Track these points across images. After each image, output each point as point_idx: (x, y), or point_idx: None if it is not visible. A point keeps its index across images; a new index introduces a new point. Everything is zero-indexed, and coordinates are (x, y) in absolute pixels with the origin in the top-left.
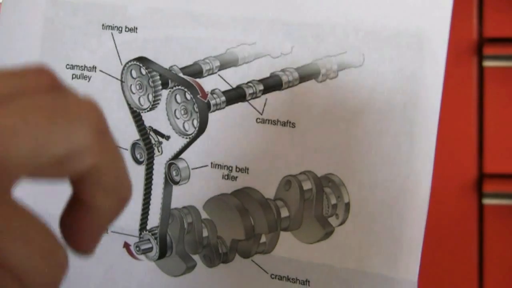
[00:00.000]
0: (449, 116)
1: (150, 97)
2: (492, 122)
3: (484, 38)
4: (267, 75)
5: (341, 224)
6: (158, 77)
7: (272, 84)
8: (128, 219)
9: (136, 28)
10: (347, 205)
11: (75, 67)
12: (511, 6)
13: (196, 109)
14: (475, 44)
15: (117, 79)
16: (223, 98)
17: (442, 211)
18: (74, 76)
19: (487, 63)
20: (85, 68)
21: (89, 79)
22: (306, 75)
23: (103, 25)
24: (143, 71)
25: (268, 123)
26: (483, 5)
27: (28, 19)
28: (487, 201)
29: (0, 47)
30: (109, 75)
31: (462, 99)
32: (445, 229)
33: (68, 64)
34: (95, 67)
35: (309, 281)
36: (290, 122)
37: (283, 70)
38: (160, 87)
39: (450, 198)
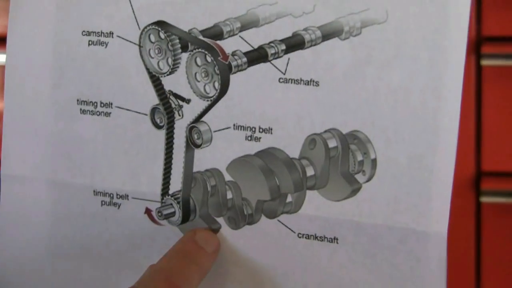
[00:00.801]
0: None
1: (170, 61)
2: (490, 121)
3: (482, 37)
4: (289, 34)
5: (368, 180)
6: (177, 40)
7: (294, 43)
8: (149, 184)
9: None
10: (374, 161)
11: (92, 33)
12: (509, 5)
13: (217, 71)
14: (473, 43)
15: (135, 44)
16: (245, 59)
17: None
18: (90, 42)
19: (485, 62)
20: (102, 34)
21: (106, 45)
22: (329, 33)
23: None
24: (162, 35)
25: (291, 82)
26: (482, 4)
27: None
28: (484, 199)
29: (14, 15)
30: (127, 40)
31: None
32: None
33: (84, 31)
34: (112, 33)
35: (337, 238)
36: (313, 81)
37: (305, 29)
38: (180, 51)
39: None
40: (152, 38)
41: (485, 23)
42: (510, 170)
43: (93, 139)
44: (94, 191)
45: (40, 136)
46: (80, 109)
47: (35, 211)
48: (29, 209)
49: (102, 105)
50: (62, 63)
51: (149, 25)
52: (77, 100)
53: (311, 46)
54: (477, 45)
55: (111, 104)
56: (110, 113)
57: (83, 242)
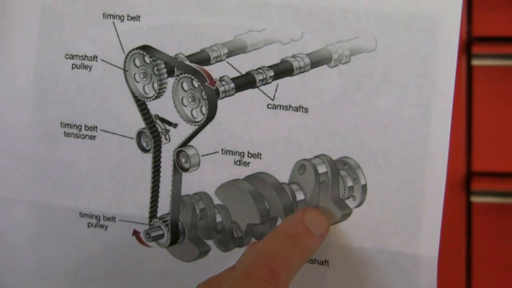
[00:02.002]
0: None
1: (155, 85)
2: (480, 121)
3: (473, 37)
4: (277, 61)
5: (358, 205)
6: (163, 65)
7: (282, 69)
8: (135, 207)
9: (139, 17)
10: (364, 187)
11: (75, 56)
12: (499, 6)
13: (205, 96)
14: (464, 43)
15: (119, 68)
16: (232, 85)
17: None
18: (74, 66)
19: (475, 62)
20: (86, 58)
21: (90, 69)
22: (317, 61)
23: (104, 14)
24: (147, 60)
25: (280, 108)
26: (472, 5)
27: (25, 8)
28: (475, 199)
29: None
30: (111, 64)
31: None
32: None
33: (67, 54)
34: (96, 57)
35: (328, 261)
36: (302, 107)
37: (294, 56)
38: (166, 75)
39: None
40: (137, 62)
41: (476, 23)
42: (500, 170)
43: (78, 162)
44: (80, 213)
45: (22, 158)
46: (64, 132)
47: (18, 233)
48: (12, 231)
49: (86, 128)
50: (45, 86)
51: (134, 49)
52: (61, 123)
53: (300, 73)
54: (467, 45)
55: (96, 127)
56: (95, 136)
57: (69, 264)
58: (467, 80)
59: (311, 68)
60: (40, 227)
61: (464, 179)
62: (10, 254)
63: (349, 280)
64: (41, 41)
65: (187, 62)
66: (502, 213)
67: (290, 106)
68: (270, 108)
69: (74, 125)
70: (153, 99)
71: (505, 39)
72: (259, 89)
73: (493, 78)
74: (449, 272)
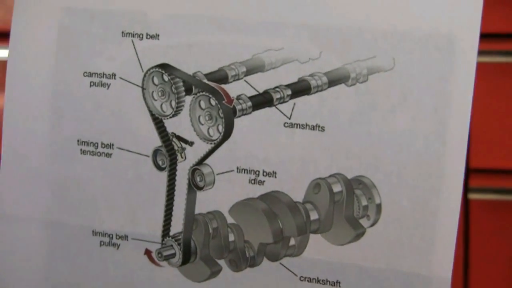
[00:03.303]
0: None
1: (173, 103)
2: (478, 118)
3: None
4: (295, 79)
5: (372, 225)
6: (181, 83)
7: (300, 88)
8: (149, 226)
9: (158, 35)
10: (379, 206)
11: (93, 74)
12: (498, 3)
13: (222, 115)
14: None
15: (138, 86)
16: (249, 103)
17: None
18: (92, 83)
19: None
20: (104, 76)
21: (108, 87)
22: (335, 80)
23: (122, 32)
24: (166, 78)
25: (297, 127)
26: None
27: (42, 27)
28: (473, 196)
29: (14, 56)
30: (130, 82)
31: None
32: None
33: (85, 72)
34: (115, 74)
35: (339, 282)
36: (319, 126)
37: (311, 75)
38: (184, 94)
39: None
40: (156, 80)
41: None
42: (498, 167)
43: (93, 180)
44: (93, 231)
45: (38, 176)
46: (81, 150)
47: (31, 251)
48: (25, 249)
49: (103, 146)
50: (62, 104)
51: (152, 67)
52: (78, 141)
53: (317, 91)
54: None
55: (112, 145)
56: (111, 154)
57: (81, 283)
58: None
59: (329, 87)
60: (53, 245)
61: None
62: (22, 272)
63: None
64: (58, 59)
65: (205, 81)
66: (500, 210)
67: (306, 125)
68: (287, 126)
69: (91, 143)
70: (171, 117)
71: (504, 36)
72: (276, 107)
73: (492, 75)
74: None
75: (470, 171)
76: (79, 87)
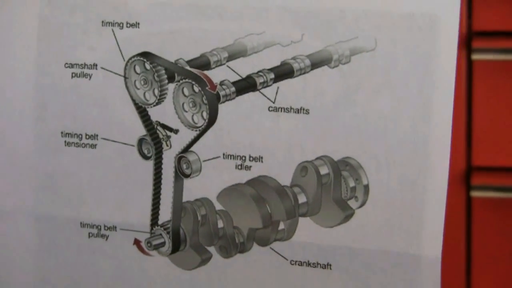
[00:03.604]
0: None
1: (156, 91)
2: (480, 115)
3: (473, 32)
4: (278, 63)
5: (361, 206)
6: (164, 71)
7: (283, 72)
8: (137, 215)
9: (138, 24)
10: (366, 187)
11: (75, 65)
12: (500, 0)
13: (205, 101)
14: (464, 37)
15: (120, 75)
16: (233, 89)
17: None
18: (74, 74)
19: (476, 56)
20: (85, 66)
21: (90, 77)
22: (318, 62)
23: (102, 21)
24: (148, 66)
25: (281, 111)
26: None
27: (23, 18)
28: (475, 194)
29: None
30: (112, 71)
31: None
32: None
33: (67, 63)
34: (96, 65)
35: (330, 265)
36: (303, 109)
37: (294, 58)
38: (166, 81)
39: None
40: (138, 69)
41: (476, 18)
42: (501, 165)
43: (79, 171)
44: (81, 223)
45: (24, 169)
46: (65, 142)
47: (20, 245)
48: (14, 243)
49: (87, 137)
50: (45, 96)
51: (134, 56)
52: (61, 133)
53: (300, 74)
54: (467, 39)
55: (97, 136)
56: (95, 145)
57: (71, 275)
58: (467, 74)
59: (312, 69)
60: (42, 238)
61: (464, 173)
62: (12, 265)
63: (353, 283)
64: (40, 51)
65: (188, 68)
66: (502, 208)
67: (291, 108)
68: (271, 111)
69: (75, 134)
70: (154, 106)
71: (505, 33)
72: (260, 92)
73: (494, 73)
74: (449, 267)
75: (472, 169)
76: (61, 79)
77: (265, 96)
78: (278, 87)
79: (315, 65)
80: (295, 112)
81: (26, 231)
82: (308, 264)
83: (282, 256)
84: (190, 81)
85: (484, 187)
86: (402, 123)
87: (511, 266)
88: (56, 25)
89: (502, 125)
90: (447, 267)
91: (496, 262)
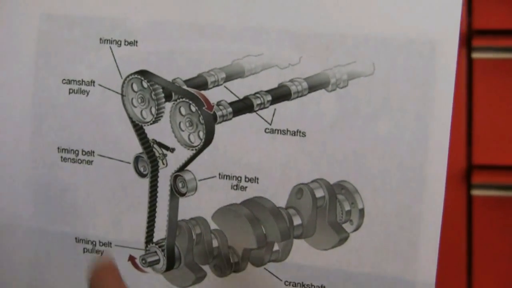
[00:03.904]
0: None
1: (153, 110)
2: (481, 114)
3: (473, 30)
4: (275, 85)
5: (356, 229)
6: (161, 89)
7: (280, 94)
8: (132, 232)
9: (137, 42)
10: (361, 211)
11: (72, 81)
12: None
13: (202, 121)
14: (464, 36)
15: (117, 93)
16: (230, 109)
17: None
18: (71, 91)
19: (476, 55)
20: (83, 83)
21: (87, 94)
22: (315, 85)
23: (101, 39)
24: (145, 84)
25: (278, 133)
26: None
27: (22, 34)
28: (475, 192)
29: None
30: (109, 89)
31: None
32: None
33: (64, 79)
34: (94, 82)
35: (324, 287)
36: (300, 132)
37: (291, 80)
38: (163, 100)
39: None
40: (135, 87)
41: (476, 16)
42: (501, 163)
43: (75, 187)
44: (76, 238)
45: (20, 183)
46: (61, 157)
47: (14, 259)
48: (8, 257)
49: (83, 153)
50: (42, 111)
51: (131, 74)
52: (58, 148)
53: (297, 97)
54: (468, 38)
55: (93, 152)
56: (92, 161)
57: None
58: (467, 73)
59: (309, 92)
60: (37, 252)
61: (465, 172)
62: (6, 280)
63: None
64: (38, 66)
65: (185, 87)
66: (503, 206)
67: (287, 131)
68: (268, 132)
69: (71, 150)
70: (151, 124)
71: (505, 32)
72: (256, 113)
73: (494, 71)
74: (450, 264)
75: (472, 168)
76: (58, 95)
77: (262, 118)
78: (275, 109)
79: (312, 88)
80: (292, 135)
81: (21, 245)
82: (302, 285)
83: (276, 277)
84: (187, 100)
85: (485, 186)
86: (398, 148)
87: (511, 264)
88: (54, 41)
89: (503, 123)
90: (448, 264)
91: (496, 259)
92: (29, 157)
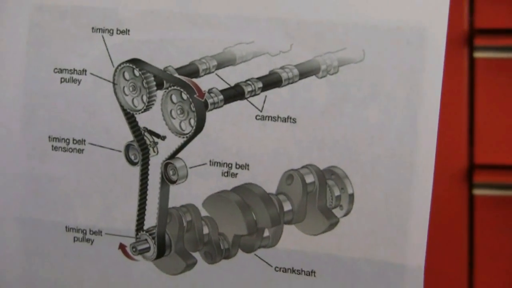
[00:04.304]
0: (440, 106)
1: (144, 98)
2: (482, 113)
3: (475, 29)
4: (266, 72)
5: (345, 215)
6: (152, 78)
7: (271, 81)
8: (123, 220)
9: (129, 30)
10: (351, 196)
11: (64, 70)
12: None
13: (193, 109)
14: (466, 35)
15: (108, 81)
16: (221, 97)
17: (433, 201)
18: (63, 80)
19: (478, 54)
20: (75, 72)
21: (79, 82)
22: (306, 72)
23: (93, 28)
24: (137, 73)
25: (268, 119)
26: None
27: (13, 24)
28: (477, 192)
29: None
30: (101, 77)
31: (453, 90)
32: (436, 220)
33: (56, 68)
34: (85, 70)
35: (314, 272)
36: (291, 118)
37: (282, 67)
38: (155, 88)
39: (440, 188)
40: (127, 75)
41: (478, 15)
42: (503, 163)
43: (66, 176)
44: (66, 227)
45: (10, 174)
46: (52, 146)
47: (6, 248)
48: (0, 246)
49: (74, 142)
50: (34, 101)
51: (123, 62)
52: (49, 137)
53: (288, 84)
54: (469, 37)
55: (84, 141)
56: (83, 150)
57: (57, 279)
58: (469, 72)
59: (300, 79)
60: (27, 242)
61: (467, 171)
62: None
63: None
64: (29, 56)
65: (176, 75)
66: (505, 206)
67: (278, 117)
68: (259, 119)
69: (62, 139)
70: (142, 112)
71: (507, 31)
72: (247, 100)
73: (496, 70)
74: (452, 264)
75: (474, 167)
76: (50, 84)
77: (253, 105)
78: (266, 96)
79: (303, 74)
80: (282, 121)
81: (12, 235)
82: (293, 271)
83: (267, 263)
84: (178, 88)
85: (487, 185)
86: (388, 134)
87: None
88: (46, 31)
89: (504, 122)
90: (449, 264)
91: (498, 259)
92: (21, 148)
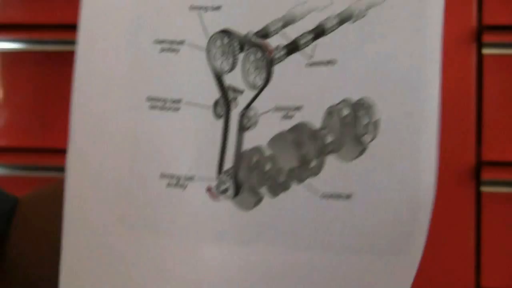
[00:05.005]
0: (448, 103)
1: (231, 60)
2: (491, 110)
3: (483, 26)
4: (314, 26)
5: (372, 140)
6: (237, 43)
7: (319, 31)
8: (209, 167)
9: (220, 7)
10: (377, 123)
11: (163, 42)
12: None
13: (265, 65)
14: (474, 32)
15: (203, 49)
16: (283, 52)
17: (440, 198)
18: (162, 49)
19: (486, 51)
20: (174, 42)
21: (177, 52)
22: (343, 19)
23: (190, 6)
24: (225, 41)
25: (315, 65)
26: None
27: (119, 4)
28: (485, 189)
29: (89, 26)
30: (196, 45)
31: (461, 87)
32: (443, 217)
33: (156, 39)
34: (183, 41)
35: (351, 195)
36: (331, 61)
37: (326, 19)
38: (238, 51)
39: (448, 185)
40: (218, 43)
41: (486, 12)
42: (510, 160)
43: (161, 131)
44: (161, 174)
45: (108, 131)
46: (149, 106)
47: (103, 193)
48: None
49: (172, 101)
50: (135, 66)
51: (215, 33)
52: (147, 97)
53: (330, 32)
54: (478, 34)
55: (180, 100)
56: (179, 108)
57: (148, 218)
58: (478, 68)
59: (338, 26)
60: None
61: (474, 168)
62: (98, 209)
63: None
64: (134, 30)
65: (253, 39)
66: None
67: (320, 62)
68: (308, 66)
69: (160, 99)
70: (228, 72)
71: None
72: (302, 51)
73: (504, 67)
74: (459, 260)
75: (482, 164)
76: (150, 53)
77: (304, 53)
78: (316, 45)
79: (341, 22)
80: (324, 65)
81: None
82: (333, 196)
83: (313, 191)
84: (253, 49)
85: (494, 182)
86: (400, 66)
87: None
88: (150, 8)
89: None
90: (457, 260)
91: (505, 255)
92: (120, 106)
